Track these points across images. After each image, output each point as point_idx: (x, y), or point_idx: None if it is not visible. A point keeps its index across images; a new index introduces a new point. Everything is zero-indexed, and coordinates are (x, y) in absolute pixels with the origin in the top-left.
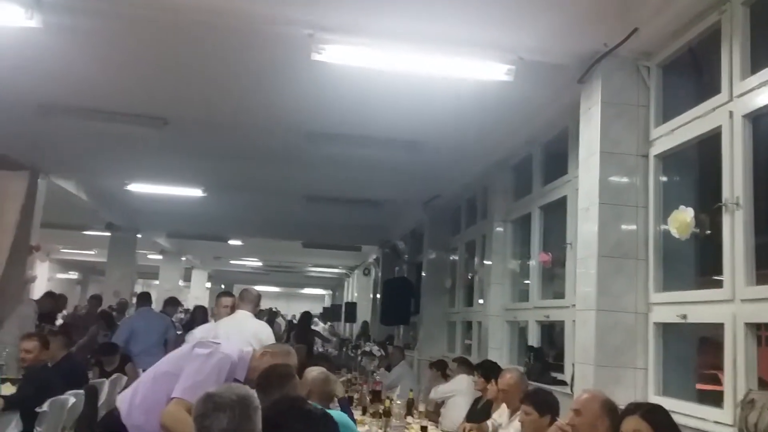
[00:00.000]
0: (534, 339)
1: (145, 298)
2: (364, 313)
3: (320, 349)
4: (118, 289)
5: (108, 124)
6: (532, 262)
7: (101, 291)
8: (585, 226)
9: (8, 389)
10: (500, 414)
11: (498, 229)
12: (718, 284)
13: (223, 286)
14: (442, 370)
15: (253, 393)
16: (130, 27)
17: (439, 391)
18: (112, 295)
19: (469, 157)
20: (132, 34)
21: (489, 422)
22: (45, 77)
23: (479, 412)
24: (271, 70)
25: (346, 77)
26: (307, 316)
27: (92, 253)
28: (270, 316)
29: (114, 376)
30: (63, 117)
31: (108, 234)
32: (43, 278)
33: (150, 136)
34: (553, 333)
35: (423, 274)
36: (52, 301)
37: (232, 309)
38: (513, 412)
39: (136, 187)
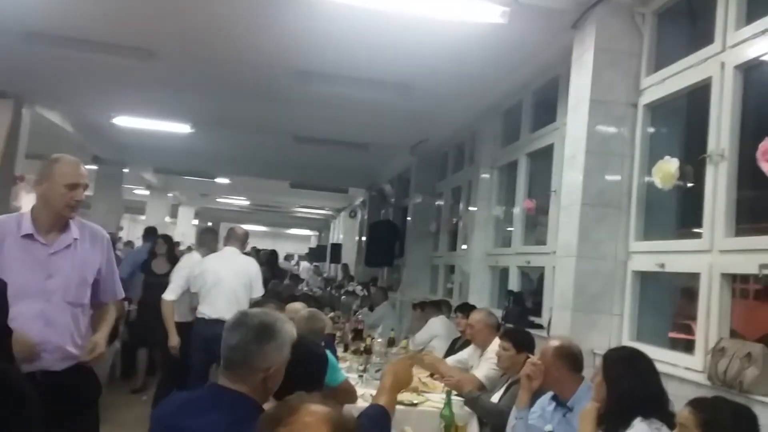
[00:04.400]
0: (514, 284)
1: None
2: (349, 255)
3: (305, 288)
4: (105, 222)
5: (94, 54)
6: (517, 209)
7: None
8: (570, 174)
9: None
10: (470, 353)
11: (484, 175)
12: (698, 236)
13: (210, 224)
14: (424, 310)
15: (278, 324)
16: None
17: (417, 341)
18: None
19: (459, 101)
20: None
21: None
22: (30, 4)
23: (458, 351)
24: (261, 4)
25: (337, 15)
26: (273, 256)
27: None
28: (271, 257)
29: None
30: (48, 46)
31: (94, 167)
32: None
33: (137, 68)
34: (533, 279)
35: (408, 218)
36: None
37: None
38: (482, 349)
39: (123, 121)
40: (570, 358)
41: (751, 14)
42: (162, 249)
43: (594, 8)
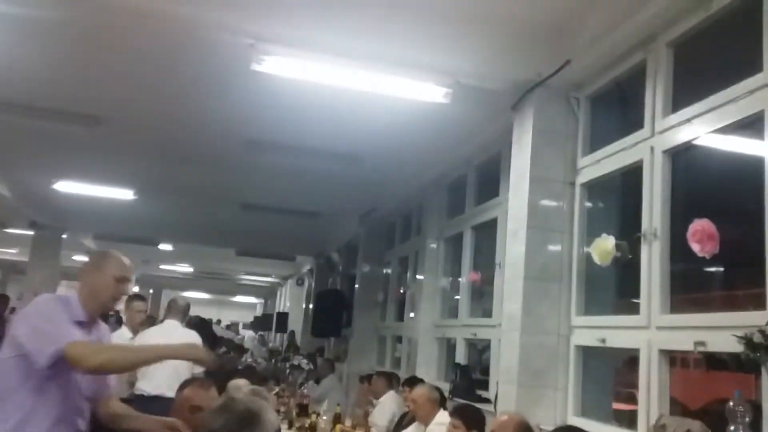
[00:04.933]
0: (461, 356)
1: None
2: (295, 324)
3: (249, 359)
4: (40, 289)
5: (36, 121)
6: (463, 280)
7: (21, 291)
8: (513, 248)
9: None
10: (414, 429)
11: (431, 245)
12: (637, 307)
13: (151, 291)
14: (370, 384)
15: (264, 414)
16: (63, 23)
17: (379, 424)
18: (33, 296)
19: (406, 173)
20: (65, 31)
21: None
22: None
23: (406, 426)
24: (210, 76)
25: (286, 88)
26: (204, 323)
27: (14, 251)
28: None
29: None
30: None
31: (31, 233)
32: None
33: (81, 135)
34: (480, 351)
35: (356, 286)
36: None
37: (145, 314)
38: (425, 425)
39: (64, 186)
40: None
41: (677, 102)
42: None
43: (532, 92)
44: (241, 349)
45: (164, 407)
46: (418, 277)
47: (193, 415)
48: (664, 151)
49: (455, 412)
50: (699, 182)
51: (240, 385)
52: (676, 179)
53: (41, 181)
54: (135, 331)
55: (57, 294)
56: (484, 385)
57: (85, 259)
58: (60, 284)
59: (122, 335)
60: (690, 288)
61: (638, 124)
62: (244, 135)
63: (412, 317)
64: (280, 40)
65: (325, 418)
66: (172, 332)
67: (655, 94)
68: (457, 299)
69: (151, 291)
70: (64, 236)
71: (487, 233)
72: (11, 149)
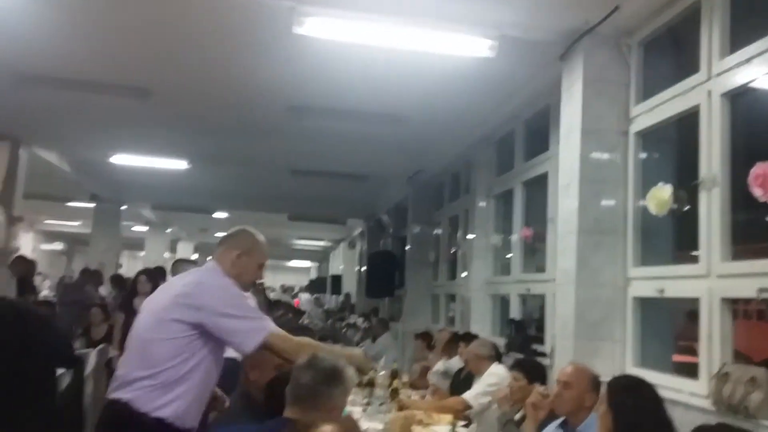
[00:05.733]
0: (515, 312)
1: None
2: (349, 286)
3: (306, 321)
4: (103, 259)
5: (90, 94)
6: (514, 237)
7: (86, 262)
8: (565, 202)
9: None
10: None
11: (481, 204)
12: (695, 259)
13: (209, 258)
14: (427, 341)
15: (346, 371)
16: None
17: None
18: (98, 267)
19: (453, 132)
20: (114, 3)
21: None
22: (26, 46)
23: (462, 382)
24: (254, 42)
25: (329, 50)
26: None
27: (77, 224)
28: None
29: (101, 345)
30: (44, 87)
31: (92, 205)
32: (27, 249)
33: (133, 108)
34: (534, 307)
35: (407, 247)
36: (26, 265)
37: None
38: (479, 375)
39: (120, 159)
40: (599, 387)
41: (734, 43)
42: (146, 287)
43: (580, 40)
44: (298, 312)
45: (235, 367)
46: (468, 235)
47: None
48: (722, 94)
49: (516, 366)
50: (760, 126)
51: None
52: (735, 123)
53: (98, 154)
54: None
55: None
56: (539, 340)
57: (144, 228)
58: (122, 254)
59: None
60: (751, 237)
61: (693, 68)
62: (288, 101)
63: (464, 276)
64: (320, 1)
65: (382, 373)
66: None
67: (711, 36)
68: (509, 257)
69: (209, 258)
70: (123, 207)
71: (538, 189)
72: (69, 124)
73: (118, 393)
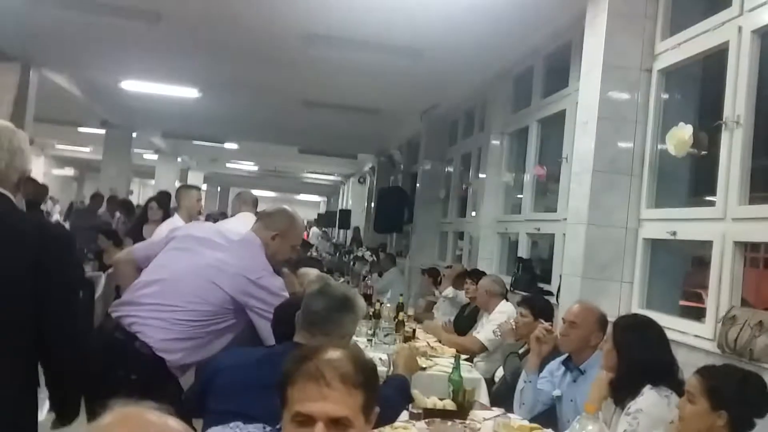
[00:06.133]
0: (524, 251)
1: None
2: (358, 221)
3: (314, 254)
4: (115, 186)
5: (100, 16)
6: (527, 176)
7: (97, 188)
8: (582, 141)
9: None
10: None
11: (494, 141)
12: (710, 205)
13: (219, 189)
14: (434, 277)
15: (357, 300)
16: None
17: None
18: (108, 192)
19: (470, 66)
20: None
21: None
22: None
23: (466, 318)
24: None
25: None
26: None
27: (88, 150)
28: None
29: (110, 269)
30: (54, 8)
31: (103, 131)
32: (38, 174)
33: (144, 31)
34: (543, 247)
35: (417, 184)
36: (36, 187)
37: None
38: (487, 312)
39: (131, 85)
40: (606, 327)
41: None
42: (157, 215)
43: None
44: (306, 244)
45: None
46: (480, 174)
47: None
48: (754, 31)
49: (523, 302)
50: None
51: (309, 272)
52: (765, 63)
53: (109, 79)
54: (191, 220)
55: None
56: (546, 280)
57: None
58: (133, 181)
59: (174, 222)
60: None
61: (725, 3)
62: (302, 29)
63: (474, 214)
64: None
65: (388, 305)
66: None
67: None
68: (520, 197)
69: (219, 188)
70: (134, 134)
71: (555, 128)
72: (79, 47)
73: (129, 320)
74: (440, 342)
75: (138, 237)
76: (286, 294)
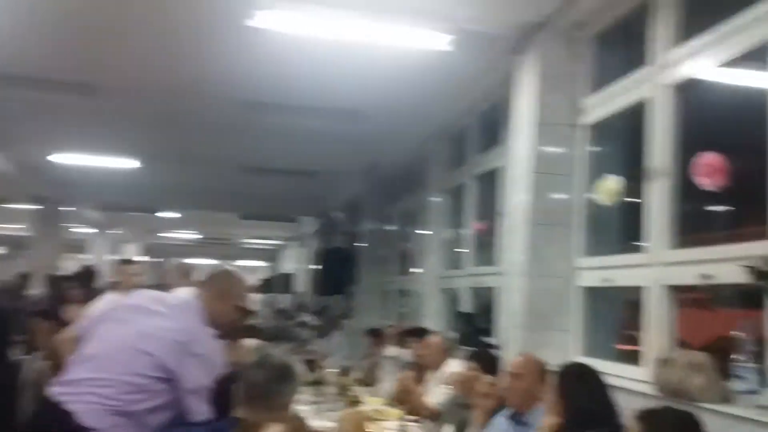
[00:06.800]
0: (466, 305)
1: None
2: (301, 284)
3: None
4: (44, 263)
5: (31, 91)
6: (467, 231)
7: (28, 266)
8: (516, 194)
9: None
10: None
11: (434, 199)
12: (642, 250)
13: (162, 260)
14: (377, 337)
15: (296, 368)
16: None
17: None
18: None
19: (409, 127)
20: None
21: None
22: None
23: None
24: (205, 35)
25: (283, 44)
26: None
27: (17, 227)
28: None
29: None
30: None
31: (33, 207)
32: None
33: (78, 104)
34: (486, 301)
35: (359, 244)
36: None
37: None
38: (435, 372)
39: (64, 158)
40: (548, 377)
41: (682, 36)
42: (78, 295)
43: (534, 35)
44: (247, 311)
45: None
46: (421, 231)
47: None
48: (671, 86)
49: (472, 357)
50: (706, 116)
51: (248, 343)
52: (683, 114)
53: (40, 153)
54: None
55: (208, 332)
56: (489, 333)
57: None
58: (63, 257)
59: (111, 300)
60: (696, 227)
61: (643, 61)
62: (241, 96)
63: (417, 271)
64: None
65: (333, 370)
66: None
67: (660, 28)
68: (461, 251)
69: (162, 259)
70: (65, 208)
71: (491, 183)
72: (7, 122)
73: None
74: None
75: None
76: (220, 360)
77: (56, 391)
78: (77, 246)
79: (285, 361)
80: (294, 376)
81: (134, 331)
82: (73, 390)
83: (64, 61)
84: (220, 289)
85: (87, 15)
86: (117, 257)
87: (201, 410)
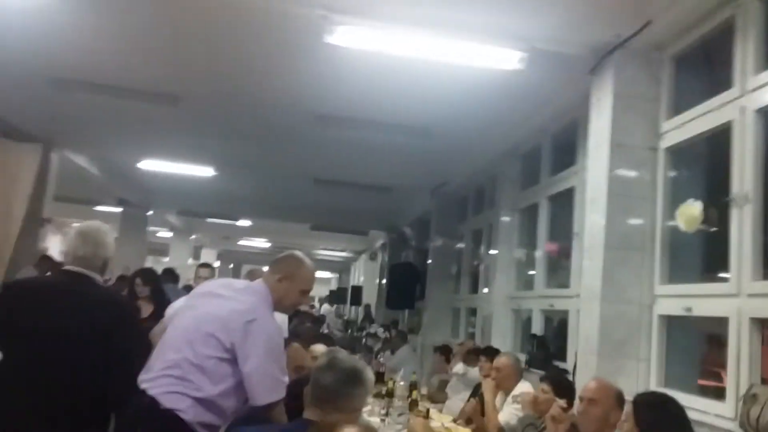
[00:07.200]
0: (538, 327)
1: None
2: (370, 297)
3: (326, 330)
4: (129, 264)
5: (120, 100)
6: (538, 252)
7: (112, 267)
8: (592, 218)
9: None
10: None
11: (505, 218)
12: (724, 281)
13: (231, 266)
14: (446, 354)
15: (366, 372)
16: (144, 1)
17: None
18: (122, 271)
19: (479, 145)
20: (145, 9)
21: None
22: (58, 51)
23: (480, 395)
24: (284, 50)
25: (358, 60)
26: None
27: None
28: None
29: None
30: (76, 92)
31: (119, 210)
32: (55, 252)
33: (162, 114)
34: (556, 323)
35: (429, 260)
36: (52, 265)
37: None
38: (505, 393)
39: (148, 165)
40: (623, 405)
41: None
42: (144, 291)
43: (611, 54)
44: (317, 320)
45: None
46: (491, 250)
47: (298, 373)
48: (756, 110)
49: (546, 378)
50: None
51: (321, 350)
52: None
53: (127, 159)
54: None
55: (272, 314)
56: (561, 357)
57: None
58: (146, 259)
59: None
60: None
61: (726, 84)
62: (315, 110)
63: (486, 291)
64: (352, 10)
65: (402, 384)
66: None
67: (745, 51)
68: (532, 273)
69: (231, 266)
70: (149, 213)
71: (563, 204)
72: (98, 129)
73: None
74: (456, 422)
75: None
76: (280, 342)
77: (140, 379)
78: (158, 249)
79: (354, 365)
80: (364, 380)
81: (201, 315)
82: (152, 376)
83: (149, 72)
84: (287, 272)
85: (173, 29)
86: (194, 262)
87: (265, 393)
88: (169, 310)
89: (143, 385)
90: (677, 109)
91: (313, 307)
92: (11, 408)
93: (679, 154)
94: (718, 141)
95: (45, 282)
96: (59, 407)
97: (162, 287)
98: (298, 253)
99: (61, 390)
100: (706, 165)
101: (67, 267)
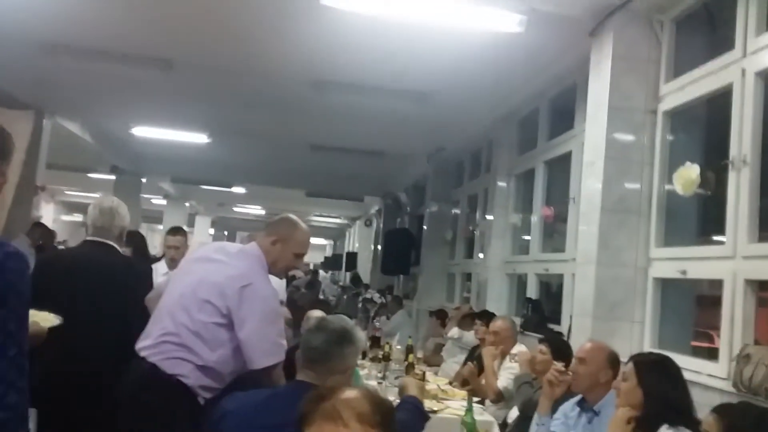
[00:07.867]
0: (533, 291)
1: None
2: (365, 264)
3: (321, 297)
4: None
5: (113, 65)
6: (534, 217)
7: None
8: (589, 181)
9: None
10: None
11: (501, 183)
12: (720, 244)
13: (226, 233)
14: (441, 319)
15: (355, 331)
16: None
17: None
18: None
19: (476, 110)
20: None
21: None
22: (49, 16)
23: (478, 359)
24: (278, 15)
25: (354, 24)
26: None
27: (97, 195)
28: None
29: None
30: (68, 57)
31: (113, 177)
32: (48, 219)
33: (155, 79)
34: (550, 287)
35: (424, 226)
36: (44, 232)
37: (177, 250)
38: (502, 356)
39: (141, 131)
40: (617, 365)
41: None
42: (126, 252)
43: (611, 16)
44: (314, 284)
45: None
46: (487, 215)
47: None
48: (757, 73)
49: (545, 340)
50: None
51: (318, 315)
52: None
53: (120, 126)
54: (171, 267)
55: (267, 277)
56: (556, 320)
57: (163, 202)
58: (140, 226)
59: (157, 269)
60: None
61: (727, 46)
62: (310, 75)
63: (482, 256)
64: None
65: (398, 347)
66: None
67: (748, 12)
68: (527, 238)
69: (225, 232)
70: (143, 180)
71: (561, 168)
72: (91, 95)
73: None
74: (452, 384)
75: None
76: (277, 305)
77: (138, 346)
78: (152, 216)
79: (344, 325)
80: (354, 339)
81: (195, 280)
82: (151, 342)
83: (143, 37)
84: (281, 235)
85: None
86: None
87: (263, 357)
88: (160, 278)
89: (143, 353)
90: (677, 71)
91: (308, 273)
92: (74, 352)
93: (677, 117)
94: (717, 104)
95: (74, 253)
96: (106, 345)
97: (146, 249)
98: (293, 216)
99: (101, 334)
100: (704, 128)
101: (88, 237)
